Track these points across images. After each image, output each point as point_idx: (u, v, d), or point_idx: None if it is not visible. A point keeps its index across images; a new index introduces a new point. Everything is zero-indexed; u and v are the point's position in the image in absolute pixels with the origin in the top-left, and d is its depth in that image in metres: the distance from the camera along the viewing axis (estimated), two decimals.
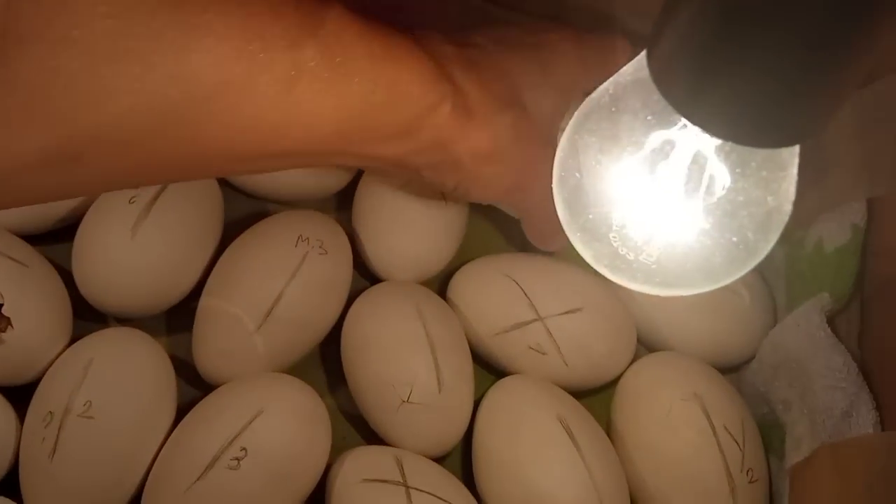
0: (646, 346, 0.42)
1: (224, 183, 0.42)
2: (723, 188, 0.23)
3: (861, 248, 0.37)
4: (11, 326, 0.36)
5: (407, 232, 0.41)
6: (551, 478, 0.35)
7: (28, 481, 0.35)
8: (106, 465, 0.35)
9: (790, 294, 0.40)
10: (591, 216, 0.25)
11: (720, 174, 0.23)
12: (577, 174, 0.25)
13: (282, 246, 0.39)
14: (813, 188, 0.41)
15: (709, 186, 0.23)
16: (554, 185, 0.26)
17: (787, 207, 0.25)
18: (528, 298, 0.40)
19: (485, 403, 0.39)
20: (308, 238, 0.39)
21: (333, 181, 0.43)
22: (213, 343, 0.38)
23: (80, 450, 0.34)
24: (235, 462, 0.34)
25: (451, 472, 0.37)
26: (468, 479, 0.38)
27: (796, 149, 0.25)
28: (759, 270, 0.43)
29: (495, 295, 0.40)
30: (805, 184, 0.41)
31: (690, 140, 0.23)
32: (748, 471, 0.36)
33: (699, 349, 0.40)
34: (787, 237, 0.41)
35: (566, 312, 0.39)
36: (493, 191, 0.36)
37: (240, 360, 0.38)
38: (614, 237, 0.25)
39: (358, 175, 0.43)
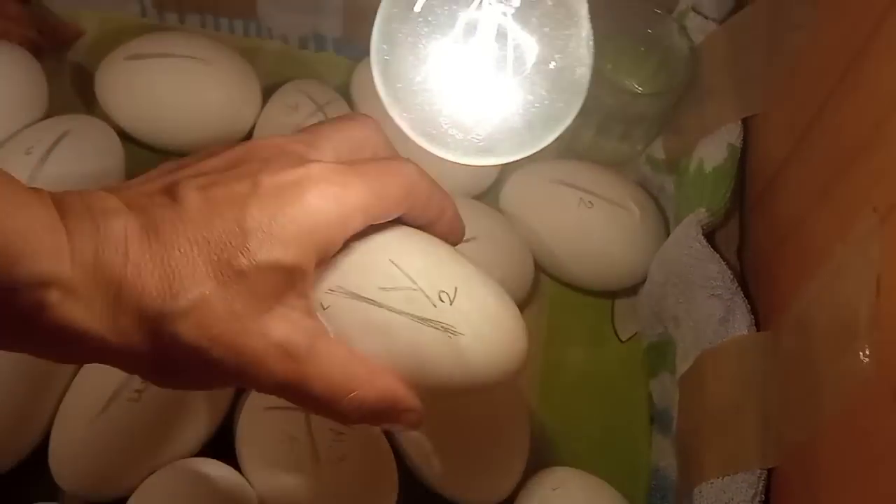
0: (546, 271, 0.43)
1: (124, 136, 0.43)
2: (533, 58, 0.25)
3: (737, 165, 0.39)
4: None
5: None
6: None
7: None
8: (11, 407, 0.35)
9: (678, 217, 0.41)
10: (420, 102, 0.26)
11: (527, 43, 0.24)
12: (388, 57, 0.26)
13: None
14: (693, 117, 0.42)
15: (518, 57, 0.24)
16: (375, 78, 0.27)
17: (584, 70, 0.26)
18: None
19: None
20: None
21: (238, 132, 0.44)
22: None
23: None
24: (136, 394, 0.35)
25: None
26: None
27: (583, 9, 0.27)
28: (654, 195, 0.44)
29: None
30: (686, 114, 0.43)
31: (490, 15, 0.25)
32: None
33: (595, 268, 0.42)
34: (674, 165, 0.43)
35: None
36: None
37: None
38: (445, 121, 0.26)
39: None
